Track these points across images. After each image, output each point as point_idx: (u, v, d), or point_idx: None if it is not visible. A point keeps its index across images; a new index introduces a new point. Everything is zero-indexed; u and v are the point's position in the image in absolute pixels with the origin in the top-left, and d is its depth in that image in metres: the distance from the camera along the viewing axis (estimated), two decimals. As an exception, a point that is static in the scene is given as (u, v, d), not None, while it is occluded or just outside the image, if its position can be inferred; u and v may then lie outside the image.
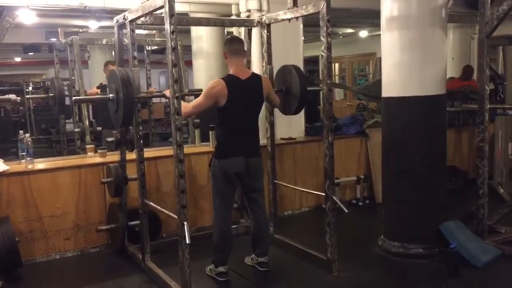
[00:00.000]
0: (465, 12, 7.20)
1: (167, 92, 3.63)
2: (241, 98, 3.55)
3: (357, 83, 12.28)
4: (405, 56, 3.96)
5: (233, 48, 3.65)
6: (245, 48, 3.74)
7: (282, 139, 5.47)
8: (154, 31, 7.37)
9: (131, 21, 3.68)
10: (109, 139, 4.15)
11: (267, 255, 3.89)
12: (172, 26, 2.90)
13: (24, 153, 4.33)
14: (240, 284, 3.80)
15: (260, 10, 5.19)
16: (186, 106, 3.58)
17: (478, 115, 4.16)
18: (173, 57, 2.94)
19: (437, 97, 4.01)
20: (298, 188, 5.03)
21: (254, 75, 3.72)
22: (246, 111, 3.62)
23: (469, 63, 7.92)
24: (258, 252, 3.90)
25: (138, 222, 4.02)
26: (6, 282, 3.69)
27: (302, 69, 4.37)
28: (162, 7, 2.97)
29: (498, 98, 5.75)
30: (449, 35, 7.94)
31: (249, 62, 4.64)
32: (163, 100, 9.02)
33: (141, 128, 3.87)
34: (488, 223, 4.25)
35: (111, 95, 3.49)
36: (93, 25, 7.08)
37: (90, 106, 6.46)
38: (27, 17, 5.41)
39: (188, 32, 7.27)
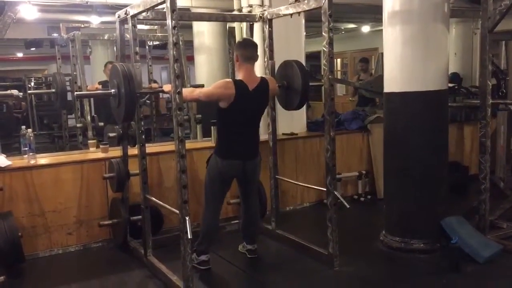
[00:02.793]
0: (467, 7, 7.19)
1: (166, 87, 3.65)
2: (246, 107, 3.60)
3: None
4: (407, 51, 3.95)
5: (247, 54, 3.64)
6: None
7: (283, 134, 5.46)
8: (155, 26, 7.34)
9: (133, 16, 3.68)
10: (111, 134, 4.16)
11: (255, 243, 4.04)
12: (173, 21, 2.90)
13: (26, 149, 4.34)
14: (243, 278, 3.82)
15: (262, 5, 5.18)
16: (191, 91, 3.70)
17: (480, 110, 4.16)
18: (174, 53, 2.93)
19: (439, 92, 4.00)
20: (299, 183, 5.03)
21: (261, 81, 3.70)
22: (249, 119, 3.70)
23: (472, 58, 7.90)
24: (247, 240, 4.05)
25: (140, 217, 4.03)
26: (8, 276, 3.70)
27: (304, 64, 4.37)
28: (163, 2, 2.97)
29: (500, 93, 5.71)
30: (452, 30, 7.91)
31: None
32: (165, 95, 9.01)
33: (142, 123, 3.87)
34: (490, 218, 4.26)
35: (113, 90, 3.50)
36: (95, 20, 7.07)
37: (92, 101, 6.46)
38: (28, 13, 5.40)
39: (190, 27, 7.26)
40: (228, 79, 3.73)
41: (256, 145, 3.83)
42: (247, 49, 3.68)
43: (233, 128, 3.67)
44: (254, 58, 3.69)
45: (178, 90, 2.97)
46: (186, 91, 3.25)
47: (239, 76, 3.69)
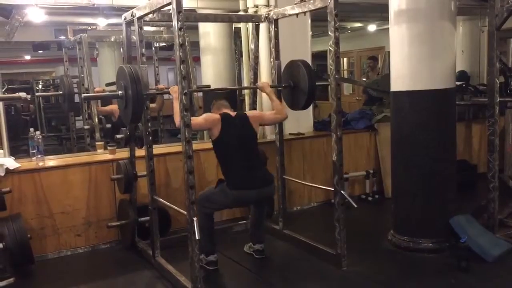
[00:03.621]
0: (474, 4, 7.13)
1: (173, 90, 3.59)
2: (234, 131, 3.79)
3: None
4: (414, 49, 3.94)
5: (221, 102, 3.99)
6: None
7: (290, 134, 5.46)
8: (162, 28, 7.37)
9: (139, 18, 3.70)
10: (118, 136, 4.18)
11: (262, 244, 4.05)
12: (179, 23, 2.90)
13: (34, 151, 4.37)
14: (250, 279, 3.82)
15: (267, 5, 5.18)
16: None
17: (488, 108, 4.13)
18: (181, 54, 2.94)
19: (447, 91, 3.98)
20: (307, 183, 5.03)
21: (239, 114, 3.98)
22: (241, 144, 3.81)
23: (479, 56, 7.85)
24: (254, 240, 4.08)
25: (148, 218, 4.04)
26: (18, 278, 3.73)
27: (310, 64, 4.36)
28: (169, 3, 2.98)
29: (508, 91, 5.68)
30: (459, 28, 7.87)
31: (257, 58, 4.64)
32: (171, 97, 9.01)
33: (150, 124, 3.89)
34: (499, 217, 4.24)
35: (120, 92, 3.51)
36: (102, 22, 7.10)
37: (99, 103, 6.46)
38: (36, 15, 5.43)
39: (196, 28, 7.26)
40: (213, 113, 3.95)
41: (265, 173, 3.92)
42: (220, 100, 4.02)
43: (233, 158, 3.79)
44: (228, 106, 3.99)
45: (185, 91, 2.98)
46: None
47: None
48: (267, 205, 4.20)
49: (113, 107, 5.61)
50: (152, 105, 5.74)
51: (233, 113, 3.94)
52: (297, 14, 4.03)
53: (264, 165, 4.22)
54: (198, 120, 3.81)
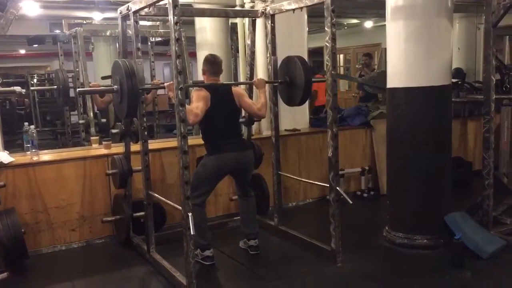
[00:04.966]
0: (471, 1, 7.16)
1: (168, 87, 3.52)
2: (218, 102, 3.80)
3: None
4: (410, 46, 3.93)
5: (213, 69, 3.93)
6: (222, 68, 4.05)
7: (286, 130, 5.46)
8: (158, 23, 7.35)
9: (135, 12, 3.68)
10: (114, 131, 4.16)
11: (256, 239, 4.05)
12: (175, 17, 2.89)
13: (29, 145, 4.35)
14: (245, 274, 3.82)
15: (264, 0, 5.16)
16: (193, 112, 3.68)
17: (484, 105, 4.15)
18: (176, 48, 2.93)
19: (443, 88, 3.98)
20: (302, 179, 5.03)
21: (224, 85, 4.08)
22: (225, 113, 3.86)
23: (475, 53, 7.86)
24: (247, 235, 4.08)
25: (143, 213, 4.04)
26: (12, 273, 3.72)
27: (306, 60, 4.36)
28: (165, -3, 2.96)
29: (504, 89, 5.69)
30: (455, 25, 7.87)
31: (253, 53, 4.63)
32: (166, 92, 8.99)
33: (145, 119, 3.87)
34: (493, 214, 4.25)
35: (115, 86, 3.49)
36: (97, 16, 7.08)
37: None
38: (31, 9, 5.41)
39: (192, 23, 7.25)
40: (196, 88, 3.97)
41: (243, 140, 4.18)
42: (214, 65, 3.94)
43: (216, 125, 3.83)
44: (219, 72, 3.96)
45: (180, 86, 2.97)
46: (190, 113, 3.56)
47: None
48: (255, 197, 4.17)
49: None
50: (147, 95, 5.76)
51: (219, 82, 3.97)
52: (293, 10, 4.02)
53: (242, 136, 4.36)
54: (199, 105, 3.71)
